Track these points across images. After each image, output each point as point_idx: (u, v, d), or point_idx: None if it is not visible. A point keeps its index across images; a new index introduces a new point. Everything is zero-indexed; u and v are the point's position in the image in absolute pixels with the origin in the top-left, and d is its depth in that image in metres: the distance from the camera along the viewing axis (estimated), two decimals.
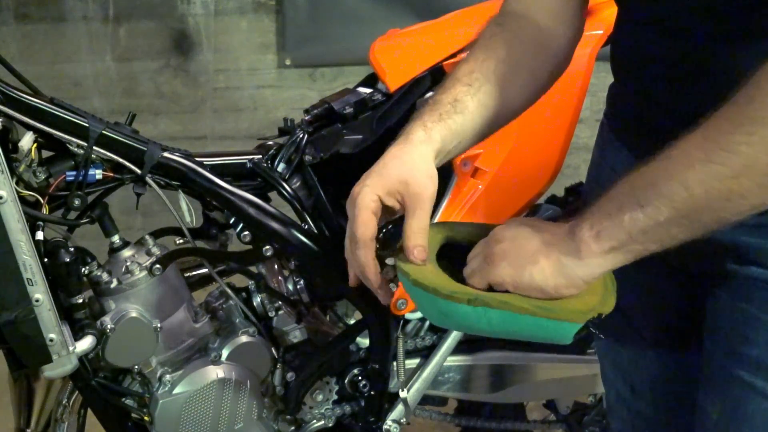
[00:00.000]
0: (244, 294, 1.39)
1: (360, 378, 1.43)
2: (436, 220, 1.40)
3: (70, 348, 1.18)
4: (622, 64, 1.01)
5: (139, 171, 1.22)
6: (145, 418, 1.32)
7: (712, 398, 0.94)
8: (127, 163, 1.22)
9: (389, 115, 1.34)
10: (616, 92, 1.07)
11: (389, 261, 1.36)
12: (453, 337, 1.45)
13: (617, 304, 0.84)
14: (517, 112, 1.07)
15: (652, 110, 0.95)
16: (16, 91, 1.15)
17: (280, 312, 1.39)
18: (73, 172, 1.19)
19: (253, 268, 1.39)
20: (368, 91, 1.38)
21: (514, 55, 1.02)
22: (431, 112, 0.99)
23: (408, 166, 0.95)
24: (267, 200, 1.32)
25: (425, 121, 0.99)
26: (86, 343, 1.20)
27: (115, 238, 1.28)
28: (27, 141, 1.15)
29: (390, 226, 1.05)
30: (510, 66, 1.02)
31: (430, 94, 1.36)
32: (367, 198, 0.91)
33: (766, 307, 0.87)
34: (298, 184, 1.33)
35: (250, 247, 1.31)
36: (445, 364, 1.47)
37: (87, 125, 1.19)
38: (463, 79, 1.01)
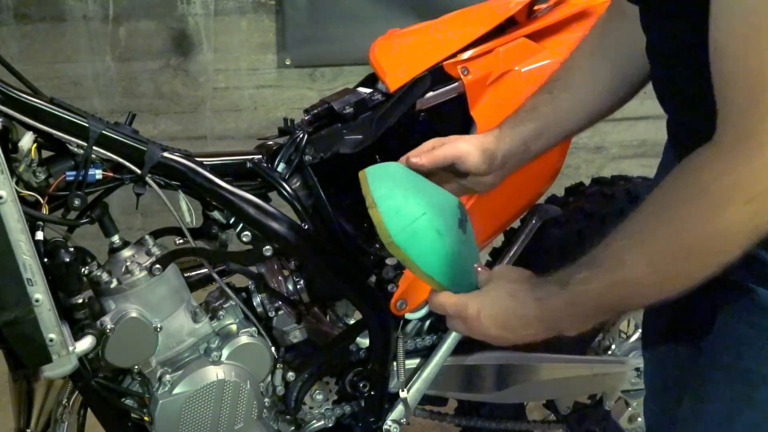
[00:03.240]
0: (244, 294, 1.39)
1: (360, 378, 1.43)
2: None
3: (70, 348, 1.18)
4: (664, 97, 1.02)
5: (139, 171, 1.22)
6: (145, 418, 1.32)
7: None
8: (127, 163, 1.22)
9: (389, 115, 1.34)
10: (669, 124, 1.08)
11: (389, 261, 1.37)
12: (453, 337, 1.45)
13: None
14: (599, 116, 1.18)
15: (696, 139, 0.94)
16: (16, 91, 1.15)
17: (280, 312, 1.39)
18: (73, 172, 1.19)
19: (253, 268, 1.39)
20: (368, 91, 1.38)
21: (597, 61, 1.13)
22: (514, 115, 1.16)
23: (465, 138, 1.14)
24: (267, 200, 1.32)
25: (504, 123, 1.16)
26: (86, 343, 1.20)
27: (115, 238, 1.28)
28: (27, 141, 1.14)
29: None
30: (593, 74, 1.13)
31: (430, 94, 1.36)
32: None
33: None
34: (298, 184, 1.33)
35: (250, 247, 1.31)
36: (445, 364, 1.47)
37: (87, 125, 1.19)
38: (547, 86, 1.16)
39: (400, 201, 1.02)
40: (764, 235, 0.78)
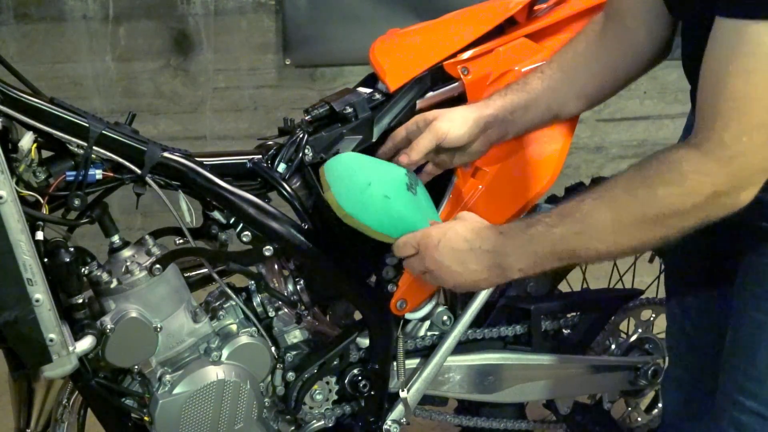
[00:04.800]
0: (244, 294, 1.39)
1: (360, 378, 1.43)
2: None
3: (70, 348, 1.17)
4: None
5: (139, 171, 1.22)
6: (145, 418, 1.31)
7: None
8: (127, 163, 1.22)
9: (389, 115, 1.34)
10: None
11: (389, 261, 1.37)
12: (453, 337, 1.45)
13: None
14: (591, 101, 1.28)
15: None
16: (16, 91, 1.15)
17: (280, 312, 1.39)
18: (73, 172, 1.19)
19: (253, 268, 1.38)
20: (368, 91, 1.38)
21: (591, 48, 1.23)
22: (504, 87, 1.26)
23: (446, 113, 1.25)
24: (267, 200, 1.32)
25: (494, 93, 1.26)
26: (86, 343, 1.20)
27: (115, 238, 1.28)
28: (27, 141, 1.14)
29: None
30: (585, 57, 1.24)
31: (430, 94, 1.36)
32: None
33: None
34: (298, 184, 1.33)
35: (250, 247, 1.31)
36: (445, 364, 1.47)
37: (87, 125, 1.19)
38: (541, 66, 1.27)
39: (348, 179, 1.21)
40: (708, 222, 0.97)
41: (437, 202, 1.40)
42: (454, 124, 1.23)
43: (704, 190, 0.94)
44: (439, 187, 1.41)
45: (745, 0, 0.88)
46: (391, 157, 1.29)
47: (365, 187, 1.19)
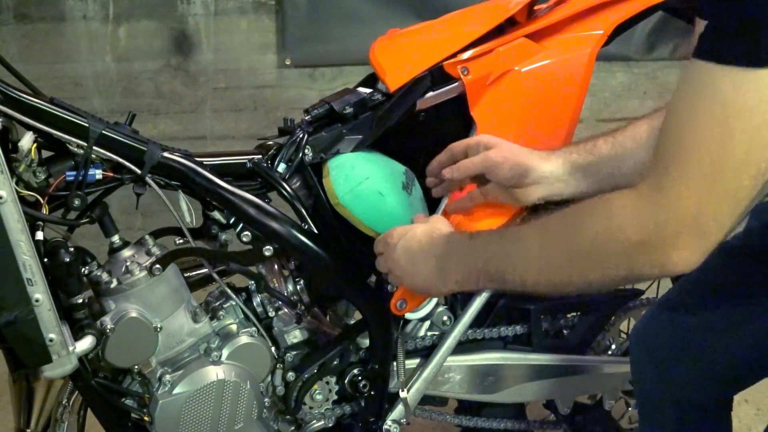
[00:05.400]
0: (244, 294, 1.39)
1: (360, 378, 1.43)
2: None
3: (70, 348, 1.18)
4: None
5: (139, 171, 1.22)
6: (145, 418, 1.32)
7: None
8: (127, 163, 1.22)
9: (389, 115, 1.34)
10: None
11: None
12: (453, 337, 1.45)
13: None
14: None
15: None
16: (16, 91, 1.15)
17: (280, 312, 1.39)
18: (73, 172, 1.19)
19: (253, 268, 1.38)
20: (368, 91, 1.38)
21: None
22: (574, 145, 1.24)
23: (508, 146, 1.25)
24: (267, 200, 1.32)
25: (560, 148, 1.24)
26: (86, 343, 1.20)
27: (115, 238, 1.28)
28: (27, 141, 1.14)
29: None
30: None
31: (430, 94, 1.36)
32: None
33: None
34: (298, 184, 1.33)
35: (250, 247, 1.31)
36: (445, 364, 1.47)
37: (87, 125, 1.19)
38: (613, 132, 1.21)
39: (348, 170, 1.27)
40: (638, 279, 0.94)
41: (437, 201, 1.40)
42: (505, 161, 1.22)
43: (631, 233, 0.87)
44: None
45: (709, 41, 0.81)
46: (445, 167, 1.29)
47: (362, 180, 1.25)
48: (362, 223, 1.26)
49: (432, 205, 1.41)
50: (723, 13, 0.79)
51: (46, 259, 1.17)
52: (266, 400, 1.41)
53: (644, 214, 0.85)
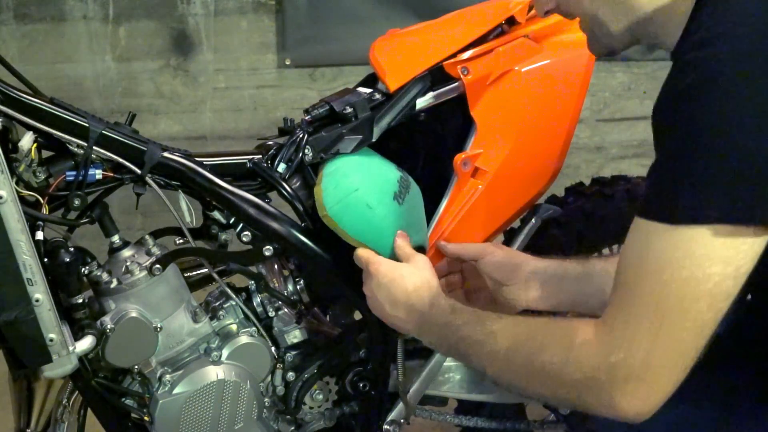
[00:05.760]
0: (244, 294, 1.39)
1: (360, 378, 1.43)
2: (436, 219, 1.40)
3: (70, 348, 1.18)
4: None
5: (139, 171, 1.22)
6: (145, 418, 1.32)
7: None
8: (127, 163, 1.22)
9: (389, 115, 1.34)
10: None
11: None
12: None
13: None
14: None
15: None
16: (16, 91, 1.15)
17: (280, 312, 1.39)
18: (73, 172, 1.19)
19: (253, 268, 1.38)
20: (368, 91, 1.38)
21: None
22: (567, 258, 1.30)
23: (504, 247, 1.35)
24: (267, 200, 1.32)
25: (554, 260, 1.29)
26: (86, 343, 1.20)
27: (115, 238, 1.28)
28: (27, 141, 1.14)
29: None
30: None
31: (430, 94, 1.36)
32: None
33: None
34: (298, 184, 1.33)
35: (250, 247, 1.31)
36: (445, 364, 1.47)
37: (87, 125, 1.19)
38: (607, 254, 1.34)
39: (339, 177, 1.25)
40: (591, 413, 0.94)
41: (437, 202, 1.40)
42: (499, 255, 1.27)
43: (585, 369, 0.90)
44: (439, 187, 1.41)
45: (642, 198, 0.88)
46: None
47: (351, 191, 1.23)
48: (347, 234, 1.24)
49: (431, 205, 1.41)
50: (653, 174, 0.86)
51: (46, 259, 1.17)
52: (266, 400, 1.41)
53: (598, 354, 0.89)
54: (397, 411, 1.46)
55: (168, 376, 1.31)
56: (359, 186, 1.24)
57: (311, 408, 1.43)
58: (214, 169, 1.28)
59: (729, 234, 0.80)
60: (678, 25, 0.90)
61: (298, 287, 1.40)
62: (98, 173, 1.21)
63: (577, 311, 1.23)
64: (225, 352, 1.34)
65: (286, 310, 1.39)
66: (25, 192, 1.15)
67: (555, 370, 0.94)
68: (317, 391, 1.43)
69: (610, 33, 1.01)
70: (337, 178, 1.25)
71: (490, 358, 1.05)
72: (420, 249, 1.29)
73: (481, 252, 1.29)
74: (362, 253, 1.24)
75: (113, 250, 1.28)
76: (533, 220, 1.52)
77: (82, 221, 1.24)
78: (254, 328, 1.37)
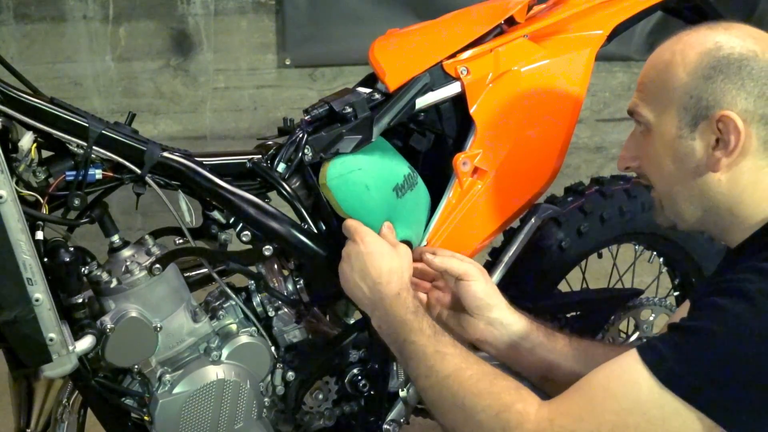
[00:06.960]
0: (244, 294, 1.39)
1: (360, 378, 1.43)
2: (436, 218, 1.40)
3: (70, 348, 1.18)
4: None
5: (138, 171, 1.22)
6: (145, 418, 1.32)
7: None
8: (127, 163, 1.22)
9: (389, 115, 1.34)
10: None
11: None
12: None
13: None
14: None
15: None
16: (16, 91, 1.15)
17: (280, 312, 1.39)
18: (73, 172, 1.19)
19: (253, 268, 1.38)
20: (368, 91, 1.38)
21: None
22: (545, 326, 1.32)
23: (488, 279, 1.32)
24: (267, 200, 1.32)
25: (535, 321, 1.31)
26: (86, 342, 1.20)
27: (115, 238, 1.28)
28: (27, 141, 1.14)
29: None
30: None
31: (430, 94, 1.36)
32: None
33: None
34: (298, 184, 1.33)
35: (250, 247, 1.31)
36: None
37: (87, 125, 1.19)
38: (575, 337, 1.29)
39: (347, 156, 1.28)
40: None
41: (436, 201, 1.40)
42: (483, 282, 1.27)
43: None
44: (438, 187, 1.41)
45: (663, 355, 0.93)
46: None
47: (354, 169, 1.28)
48: (340, 208, 1.28)
49: (431, 205, 1.41)
50: (675, 335, 0.95)
51: (46, 259, 1.17)
52: (266, 399, 1.41)
53: (529, 430, 0.97)
54: (397, 411, 1.46)
55: (168, 376, 1.31)
56: (363, 167, 1.28)
57: (311, 408, 1.43)
58: (214, 168, 1.28)
59: (707, 428, 0.89)
60: (749, 228, 0.99)
61: (298, 287, 1.40)
62: (98, 173, 1.21)
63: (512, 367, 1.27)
64: (225, 352, 1.34)
65: (285, 309, 1.39)
66: (25, 192, 1.15)
67: (481, 418, 1.01)
68: (317, 391, 1.43)
69: (679, 213, 1.07)
70: (345, 156, 1.29)
71: (427, 373, 1.10)
72: (407, 244, 1.31)
73: (464, 274, 1.27)
74: (352, 223, 1.26)
75: (113, 250, 1.28)
76: (533, 220, 1.52)
77: (82, 221, 1.24)
78: (254, 328, 1.37)
